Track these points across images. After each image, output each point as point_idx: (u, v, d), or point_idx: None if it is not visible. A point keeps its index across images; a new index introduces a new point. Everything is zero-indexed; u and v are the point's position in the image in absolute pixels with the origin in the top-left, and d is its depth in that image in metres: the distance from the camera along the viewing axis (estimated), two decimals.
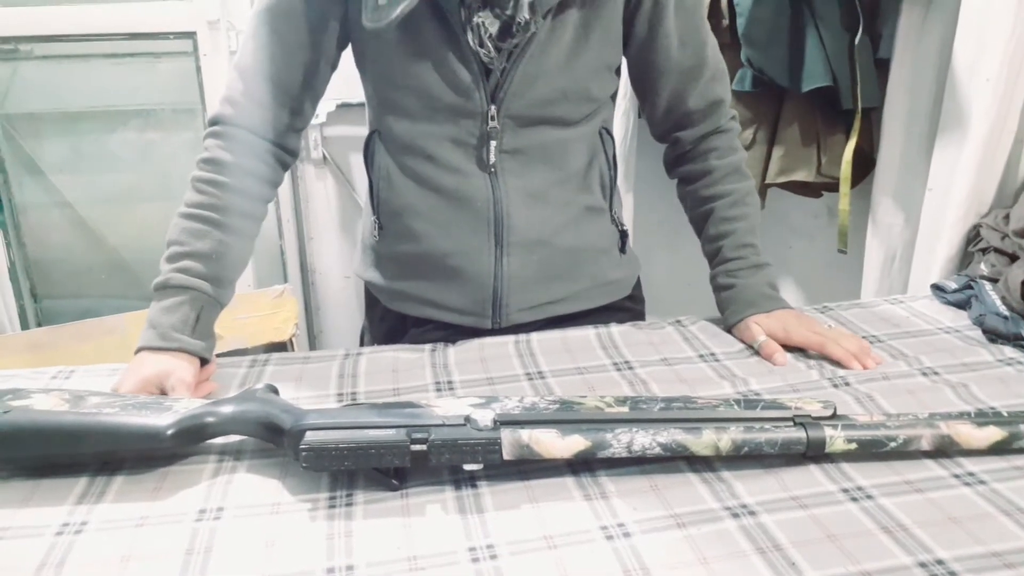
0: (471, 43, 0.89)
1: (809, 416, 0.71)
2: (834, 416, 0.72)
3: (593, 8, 0.92)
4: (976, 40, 1.21)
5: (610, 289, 1.09)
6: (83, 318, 1.73)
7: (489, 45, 0.89)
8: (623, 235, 1.09)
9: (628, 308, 1.12)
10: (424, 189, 0.98)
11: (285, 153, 0.99)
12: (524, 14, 0.87)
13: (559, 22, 0.91)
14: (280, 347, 1.62)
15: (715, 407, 0.71)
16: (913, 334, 1.02)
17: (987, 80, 1.20)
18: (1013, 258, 1.08)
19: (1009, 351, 0.97)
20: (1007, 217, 1.14)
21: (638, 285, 1.15)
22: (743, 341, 0.99)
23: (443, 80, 0.92)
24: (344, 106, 2.02)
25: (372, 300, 1.12)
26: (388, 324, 1.10)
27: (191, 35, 1.86)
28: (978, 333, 1.02)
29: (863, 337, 0.99)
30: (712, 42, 1.03)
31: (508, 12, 0.87)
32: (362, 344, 1.18)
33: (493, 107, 0.93)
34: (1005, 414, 0.74)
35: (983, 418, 0.72)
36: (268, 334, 1.61)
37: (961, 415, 0.73)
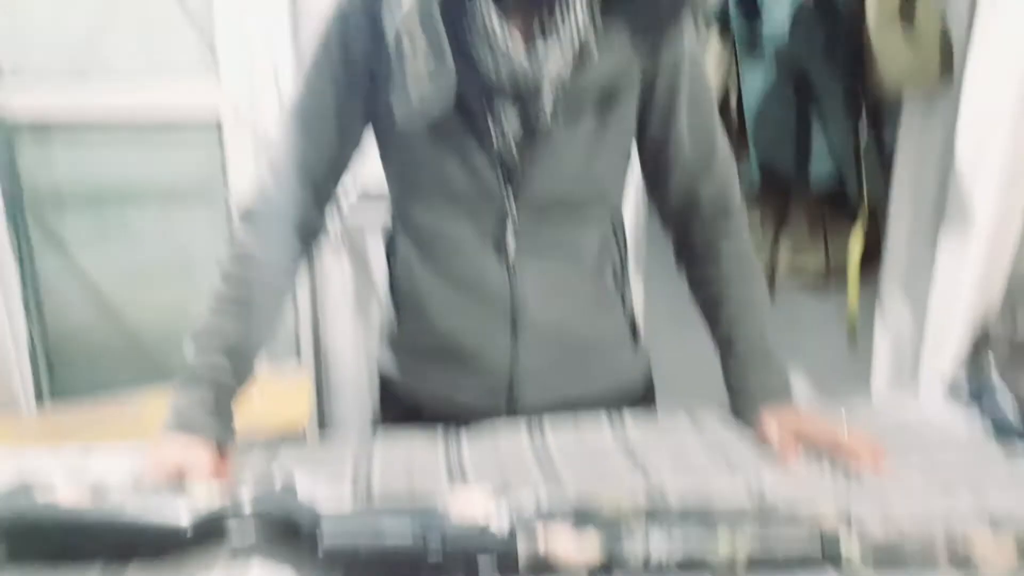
0: (494, 140, 0.93)
1: (823, 523, 0.71)
2: (848, 522, 0.72)
3: (609, 108, 0.97)
4: (977, 139, 1.25)
5: (622, 378, 1.11)
6: (97, 393, 1.74)
7: (511, 140, 0.94)
8: (634, 325, 1.11)
9: (640, 397, 1.13)
10: (442, 278, 1.01)
11: (311, 232, 1.03)
12: (546, 110, 0.92)
13: (577, 118, 0.95)
14: (292, 429, 1.62)
15: (731, 515, 0.71)
16: (925, 434, 1.03)
17: (990, 178, 1.23)
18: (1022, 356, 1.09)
19: (1021, 452, 0.97)
20: (1014, 316, 1.16)
21: (649, 373, 1.16)
22: (756, 436, 0.99)
23: (465, 173, 0.96)
24: (363, 196, 2.06)
25: (386, 388, 1.14)
26: (402, 413, 1.11)
27: (217, 118, 1.93)
28: (990, 434, 1.02)
29: (874, 437, 0.99)
30: (722, 138, 1.06)
31: (530, 113, 0.92)
32: (374, 432, 1.19)
33: (512, 199, 0.97)
34: None
35: (1000, 526, 0.72)
36: (280, 416, 1.62)
37: (978, 522, 0.73)
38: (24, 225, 2.04)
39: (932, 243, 1.34)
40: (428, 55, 0.86)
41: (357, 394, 2.29)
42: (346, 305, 2.24)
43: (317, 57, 0.97)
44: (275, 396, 1.73)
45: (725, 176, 1.07)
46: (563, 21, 0.90)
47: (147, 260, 2.12)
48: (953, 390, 1.15)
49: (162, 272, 2.12)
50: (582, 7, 0.90)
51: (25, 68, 1.96)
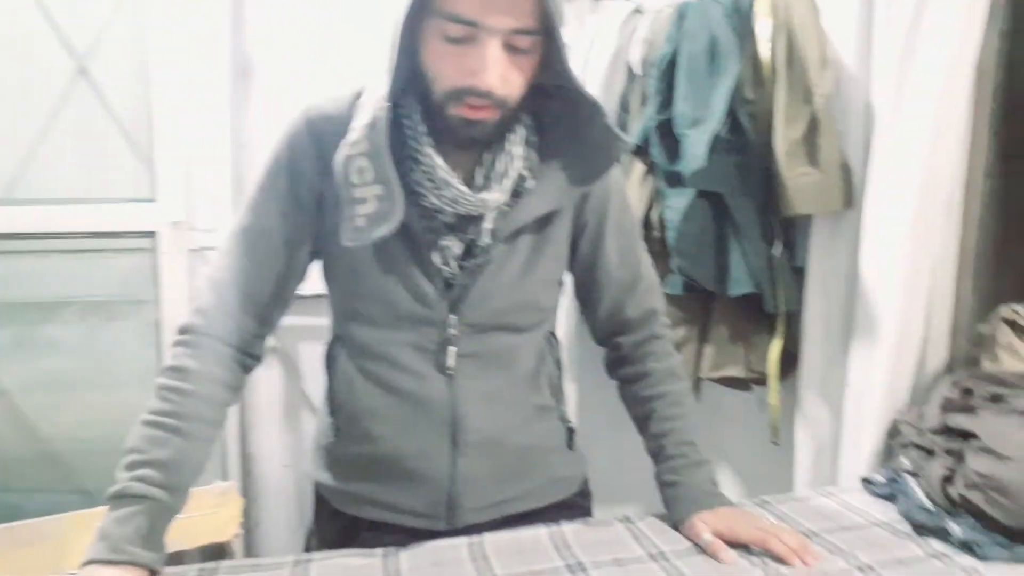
0: (436, 261, 0.98)
1: None
2: None
3: (544, 232, 1.03)
4: (879, 255, 1.36)
5: (560, 486, 1.13)
6: (8, 513, 1.64)
7: (452, 263, 0.98)
8: (570, 432, 1.15)
9: (578, 504, 1.16)
10: (384, 392, 1.03)
11: (251, 359, 1.04)
12: (485, 239, 0.98)
13: (514, 244, 1.01)
14: (220, 547, 1.56)
15: None
16: (847, 528, 1.08)
17: (892, 289, 1.33)
18: (931, 453, 1.16)
19: (936, 544, 1.03)
20: (921, 414, 1.24)
21: (585, 481, 1.19)
22: (690, 539, 1.03)
23: (408, 292, 0.99)
24: (295, 298, 2.07)
25: (322, 502, 1.13)
26: (338, 527, 1.10)
27: (151, 235, 1.93)
28: (907, 526, 1.08)
29: (802, 532, 1.04)
30: (646, 259, 1.15)
31: (471, 236, 0.98)
32: (308, 549, 1.17)
33: (453, 316, 1.00)
34: None
35: None
36: (209, 534, 1.56)
37: None
38: None
39: (844, 349, 1.43)
40: (375, 181, 0.91)
41: (285, 503, 2.23)
42: (274, 413, 2.20)
43: (263, 182, 1.00)
44: (201, 508, 1.67)
45: (650, 299, 1.15)
46: (501, 160, 0.97)
47: (66, 369, 2.05)
48: (869, 486, 1.21)
49: (81, 382, 2.05)
50: (520, 147, 0.98)
51: None
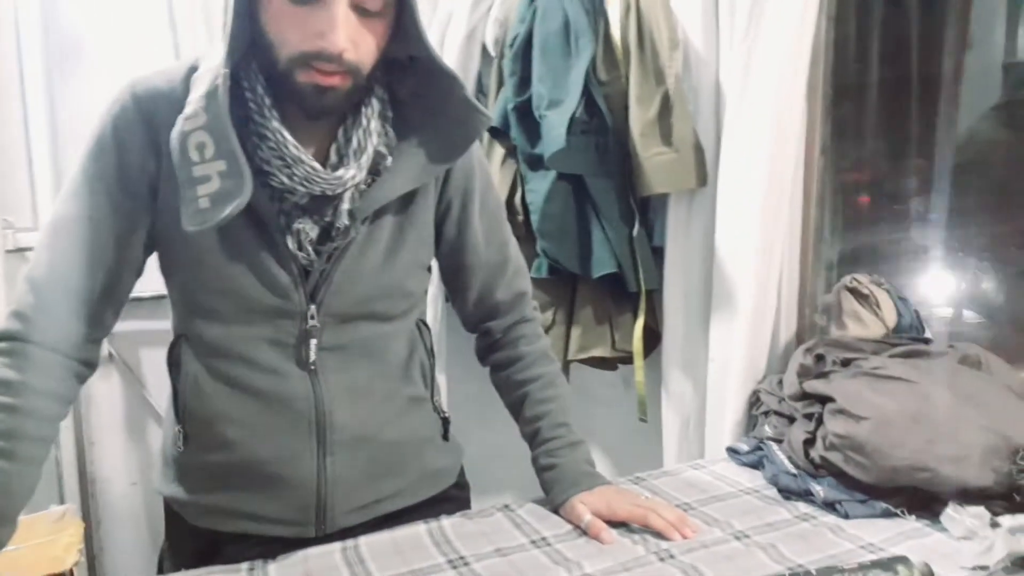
0: (290, 247, 0.90)
1: None
2: None
3: (407, 213, 0.98)
4: (733, 231, 1.40)
5: (437, 479, 1.09)
6: None
7: (309, 248, 0.91)
8: (445, 422, 1.11)
9: (455, 497, 1.12)
10: (238, 393, 0.94)
11: (83, 366, 0.92)
12: (344, 220, 0.91)
13: (376, 225, 0.95)
14: (57, 574, 1.41)
15: None
16: (720, 498, 1.10)
17: (746, 264, 1.38)
18: (791, 419, 1.21)
19: (803, 507, 1.07)
20: (780, 382, 1.29)
21: (462, 472, 1.16)
22: (570, 521, 1.01)
23: (260, 283, 0.91)
24: (134, 300, 1.91)
25: (175, 519, 1.02)
26: (196, 544, 1.00)
27: None
28: (774, 492, 1.12)
29: (677, 505, 1.05)
30: (513, 241, 1.12)
31: (327, 218, 0.90)
32: (161, 571, 1.06)
33: (313, 306, 0.93)
34: (814, 572, 0.80)
35: None
36: (45, 565, 1.40)
37: None
38: None
39: (704, 325, 1.47)
40: (217, 156, 0.82)
41: (134, 524, 2.06)
42: (116, 426, 2.03)
43: (86, 166, 0.89)
44: (34, 537, 1.50)
45: (519, 281, 1.13)
46: (356, 135, 0.90)
47: None
48: (735, 455, 1.25)
49: None
50: (376, 122, 0.92)
51: None
